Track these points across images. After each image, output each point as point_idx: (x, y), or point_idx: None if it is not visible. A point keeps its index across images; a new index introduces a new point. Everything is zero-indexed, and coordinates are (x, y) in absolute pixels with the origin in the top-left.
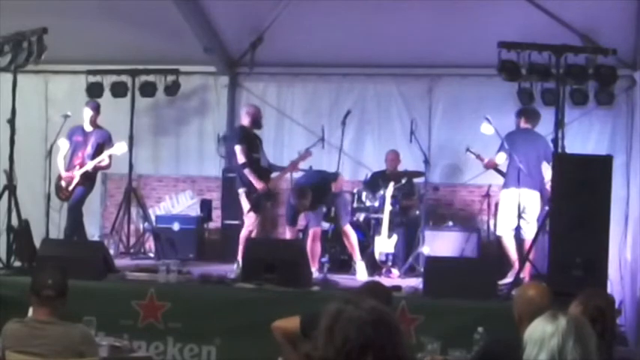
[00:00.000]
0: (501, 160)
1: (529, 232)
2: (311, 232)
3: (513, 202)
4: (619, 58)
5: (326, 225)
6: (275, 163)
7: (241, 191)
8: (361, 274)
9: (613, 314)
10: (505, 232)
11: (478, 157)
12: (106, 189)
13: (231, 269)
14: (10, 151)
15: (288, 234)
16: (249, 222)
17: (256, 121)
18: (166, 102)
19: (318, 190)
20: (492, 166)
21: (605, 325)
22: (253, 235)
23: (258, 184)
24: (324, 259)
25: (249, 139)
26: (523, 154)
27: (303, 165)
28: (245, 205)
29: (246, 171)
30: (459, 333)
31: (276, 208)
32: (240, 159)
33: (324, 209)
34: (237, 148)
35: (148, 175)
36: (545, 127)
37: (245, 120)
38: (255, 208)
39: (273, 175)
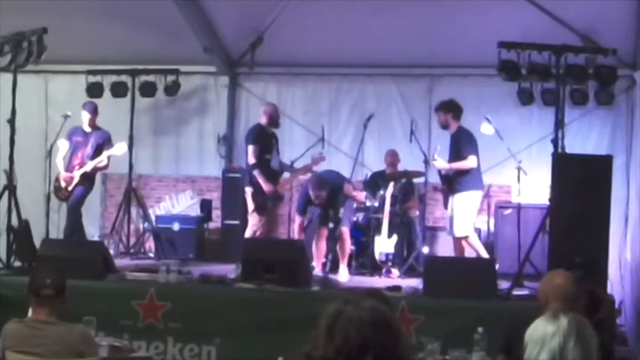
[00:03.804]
0: (475, 163)
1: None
2: (318, 231)
3: (477, 203)
4: (619, 58)
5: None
6: (287, 163)
7: (248, 190)
8: (342, 276)
9: (613, 314)
10: (470, 232)
11: (429, 157)
12: (106, 189)
13: (231, 269)
14: (10, 151)
15: (296, 223)
16: (253, 222)
17: (274, 120)
18: (166, 102)
19: (334, 190)
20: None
21: (598, 307)
22: (258, 235)
23: (266, 186)
24: (324, 259)
25: (264, 138)
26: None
27: (315, 169)
28: (250, 204)
29: (256, 172)
30: (459, 333)
31: (278, 208)
32: (251, 160)
33: (331, 211)
34: (250, 148)
35: (148, 175)
36: (545, 127)
37: (262, 119)
38: (259, 209)
39: (285, 175)
